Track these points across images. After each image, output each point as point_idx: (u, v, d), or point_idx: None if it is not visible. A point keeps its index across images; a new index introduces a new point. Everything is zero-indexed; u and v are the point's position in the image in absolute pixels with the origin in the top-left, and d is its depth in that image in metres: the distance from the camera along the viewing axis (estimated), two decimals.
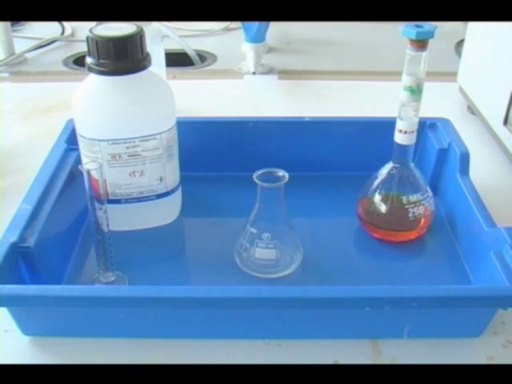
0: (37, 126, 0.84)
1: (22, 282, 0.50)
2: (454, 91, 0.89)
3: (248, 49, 0.99)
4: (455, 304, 0.47)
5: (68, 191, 0.59)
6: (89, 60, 0.55)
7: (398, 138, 0.58)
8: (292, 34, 1.19)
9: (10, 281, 0.47)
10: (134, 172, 0.58)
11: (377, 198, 0.60)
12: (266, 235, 0.55)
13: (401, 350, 0.49)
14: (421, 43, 0.53)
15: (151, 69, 0.57)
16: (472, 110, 0.84)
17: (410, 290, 0.47)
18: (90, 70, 0.55)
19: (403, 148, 0.58)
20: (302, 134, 0.68)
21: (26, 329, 0.50)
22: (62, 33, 1.19)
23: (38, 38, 1.14)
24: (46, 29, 1.19)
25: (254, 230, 0.55)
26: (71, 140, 0.63)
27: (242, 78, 1.00)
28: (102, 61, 0.54)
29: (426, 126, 0.68)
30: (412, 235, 0.60)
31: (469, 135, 0.70)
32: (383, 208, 0.59)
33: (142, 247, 0.60)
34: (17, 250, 0.50)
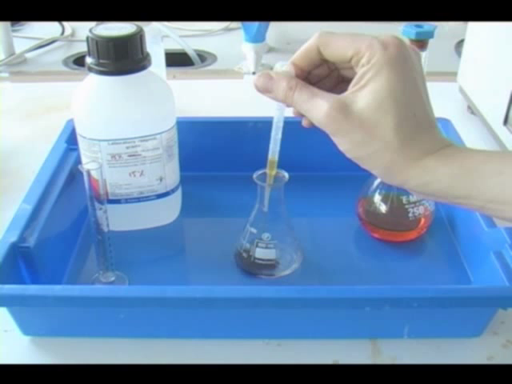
0: (37, 125, 0.84)
1: (22, 282, 0.50)
2: (454, 91, 0.89)
3: (248, 49, 0.99)
4: (455, 304, 0.47)
5: (68, 191, 0.59)
6: (89, 60, 0.55)
7: None
8: (292, 34, 1.19)
9: (10, 281, 0.47)
10: (134, 172, 0.58)
11: (377, 198, 0.60)
12: (265, 235, 0.55)
13: (401, 350, 0.49)
14: (421, 43, 0.53)
15: (151, 69, 0.57)
16: (472, 109, 0.84)
17: (410, 290, 0.47)
18: (90, 70, 0.55)
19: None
20: (301, 134, 0.68)
21: (26, 329, 0.50)
22: (62, 33, 1.19)
23: (38, 38, 1.14)
24: (46, 29, 1.19)
25: (253, 230, 0.55)
26: (71, 140, 0.63)
27: (242, 78, 1.00)
28: (101, 61, 0.54)
29: None
30: (412, 235, 0.60)
31: (469, 135, 0.70)
32: (383, 208, 0.59)
33: (142, 247, 0.60)
34: (17, 250, 0.50)
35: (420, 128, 0.40)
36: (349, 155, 0.41)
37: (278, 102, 0.45)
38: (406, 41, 0.53)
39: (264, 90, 0.43)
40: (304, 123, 0.44)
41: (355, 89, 0.40)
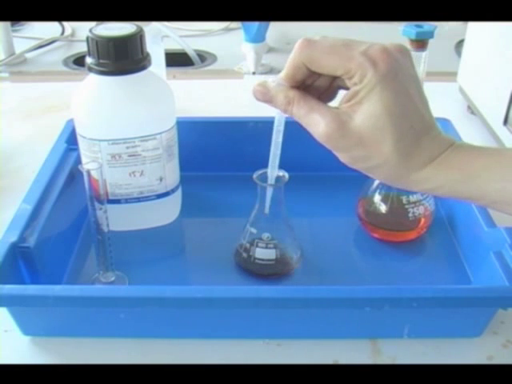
0: (37, 125, 0.84)
1: (22, 282, 0.50)
2: (454, 91, 0.89)
3: (248, 49, 0.99)
4: (455, 304, 0.47)
5: (68, 191, 0.59)
6: (89, 60, 0.55)
7: None
8: (292, 34, 1.19)
9: (10, 281, 0.47)
10: (133, 172, 0.58)
11: (377, 198, 0.60)
12: (265, 235, 0.55)
13: (401, 350, 0.49)
14: (421, 43, 0.53)
15: (151, 69, 0.57)
16: (472, 109, 0.84)
17: (410, 290, 0.47)
18: (90, 70, 0.55)
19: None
20: (301, 134, 0.68)
21: (26, 329, 0.50)
22: (62, 33, 1.19)
23: (38, 38, 1.14)
24: (46, 29, 1.19)
25: (253, 230, 0.55)
26: (71, 140, 0.63)
27: (242, 77, 1.00)
28: (101, 61, 0.54)
29: None
30: (412, 235, 0.60)
31: (469, 135, 0.70)
32: (383, 208, 0.59)
33: (142, 247, 0.60)
34: (17, 250, 0.50)
35: (418, 138, 0.40)
36: (350, 167, 0.42)
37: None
38: (404, 41, 0.53)
39: (263, 100, 0.44)
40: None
41: (350, 104, 0.40)
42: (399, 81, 0.39)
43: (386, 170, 0.41)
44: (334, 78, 0.43)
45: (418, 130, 0.40)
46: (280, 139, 0.48)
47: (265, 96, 0.43)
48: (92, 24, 0.56)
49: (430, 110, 0.41)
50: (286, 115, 0.44)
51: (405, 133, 0.40)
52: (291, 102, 0.42)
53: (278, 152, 0.49)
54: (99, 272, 0.54)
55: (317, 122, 0.41)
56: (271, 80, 0.43)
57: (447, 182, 0.40)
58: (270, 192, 0.53)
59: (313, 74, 0.42)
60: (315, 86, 0.43)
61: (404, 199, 0.58)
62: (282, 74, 0.43)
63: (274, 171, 0.51)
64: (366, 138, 0.40)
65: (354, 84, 0.40)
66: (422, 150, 0.40)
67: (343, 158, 0.42)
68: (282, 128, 0.47)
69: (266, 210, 0.54)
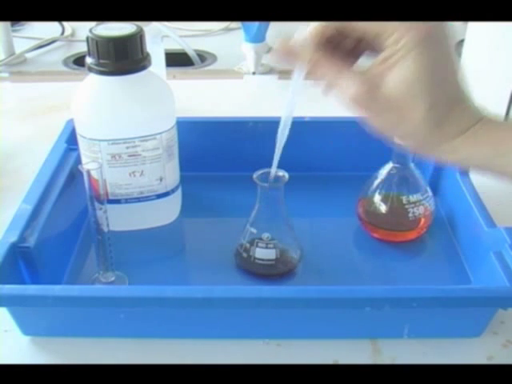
0: (37, 125, 0.84)
1: (22, 282, 0.50)
2: None
3: (248, 49, 0.99)
4: (455, 304, 0.47)
5: (68, 191, 0.59)
6: (89, 60, 0.55)
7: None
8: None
9: (10, 281, 0.47)
10: (133, 172, 0.58)
11: (377, 198, 0.60)
12: (265, 235, 0.55)
13: (401, 350, 0.49)
14: None
15: (151, 69, 0.57)
16: None
17: (409, 290, 0.47)
18: (90, 70, 0.55)
19: (403, 148, 0.58)
20: (302, 134, 0.68)
21: (25, 329, 0.50)
22: (62, 33, 1.19)
23: (38, 38, 1.14)
24: (46, 29, 1.19)
25: (253, 230, 0.55)
26: (71, 140, 0.63)
27: (242, 78, 1.00)
28: (102, 61, 0.54)
29: None
30: (412, 235, 0.60)
31: None
32: (383, 208, 0.59)
33: (142, 247, 0.60)
34: (17, 250, 0.50)
35: (451, 107, 0.39)
36: (381, 131, 0.41)
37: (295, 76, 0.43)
38: None
39: (287, 59, 0.42)
40: (323, 93, 0.42)
41: (383, 68, 0.39)
42: (441, 45, 0.39)
43: (416, 137, 0.40)
44: (360, 41, 0.42)
45: (451, 98, 0.39)
46: (292, 112, 0.45)
47: (289, 54, 0.41)
48: (92, 24, 0.56)
49: (465, 80, 0.40)
50: (304, 82, 0.42)
51: (437, 102, 0.39)
52: (318, 63, 0.41)
53: (286, 134, 0.47)
54: (99, 272, 0.54)
55: (346, 84, 0.39)
56: (296, 33, 0.41)
57: (477, 155, 0.39)
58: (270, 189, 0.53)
59: (339, 36, 0.41)
60: (340, 48, 0.42)
61: (404, 199, 0.58)
62: (311, 28, 0.41)
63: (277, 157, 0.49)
64: (397, 102, 0.39)
65: (388, 46, 0.38)
66: (453, 120, 0.39)
67: (373, 121, 0.40)
68: (292, 106, 0.45)
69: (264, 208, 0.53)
